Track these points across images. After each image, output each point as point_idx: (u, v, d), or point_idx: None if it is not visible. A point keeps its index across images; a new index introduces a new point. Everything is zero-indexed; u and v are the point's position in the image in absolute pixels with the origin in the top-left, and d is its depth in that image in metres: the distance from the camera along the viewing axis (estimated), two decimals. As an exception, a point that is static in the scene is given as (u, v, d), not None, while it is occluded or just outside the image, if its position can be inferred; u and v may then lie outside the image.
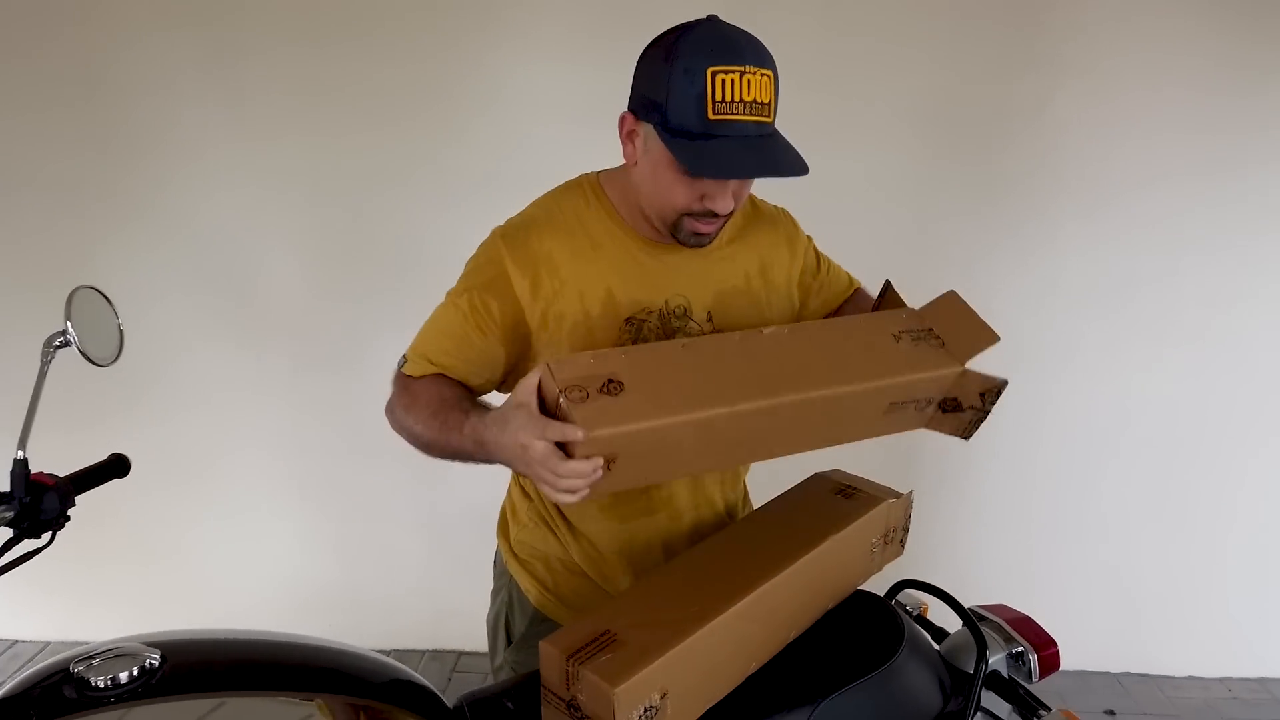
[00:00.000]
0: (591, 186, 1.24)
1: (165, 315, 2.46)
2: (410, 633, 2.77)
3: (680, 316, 1.21)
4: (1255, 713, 2.55)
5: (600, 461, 0.94)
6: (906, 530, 1.33)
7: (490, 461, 1.04)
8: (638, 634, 0.97)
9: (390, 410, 1.20)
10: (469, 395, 1.17)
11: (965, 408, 1.16)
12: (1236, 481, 2.55)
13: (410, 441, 1.17)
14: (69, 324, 1.05)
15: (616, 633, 0.97)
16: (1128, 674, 2.68)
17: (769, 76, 1.05)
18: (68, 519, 1.04)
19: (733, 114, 1.02)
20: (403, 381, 1.22)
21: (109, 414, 2.50)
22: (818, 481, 1.33)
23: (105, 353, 1.12)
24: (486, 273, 1.18)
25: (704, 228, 1.14)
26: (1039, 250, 2.40)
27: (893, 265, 2.35)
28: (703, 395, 0.99)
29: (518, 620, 1.40)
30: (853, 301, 1.44)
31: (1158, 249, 2.38)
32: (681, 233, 1.15)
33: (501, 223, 1.24)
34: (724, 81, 1.01)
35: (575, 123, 2.28)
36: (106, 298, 1.14)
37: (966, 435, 1.20)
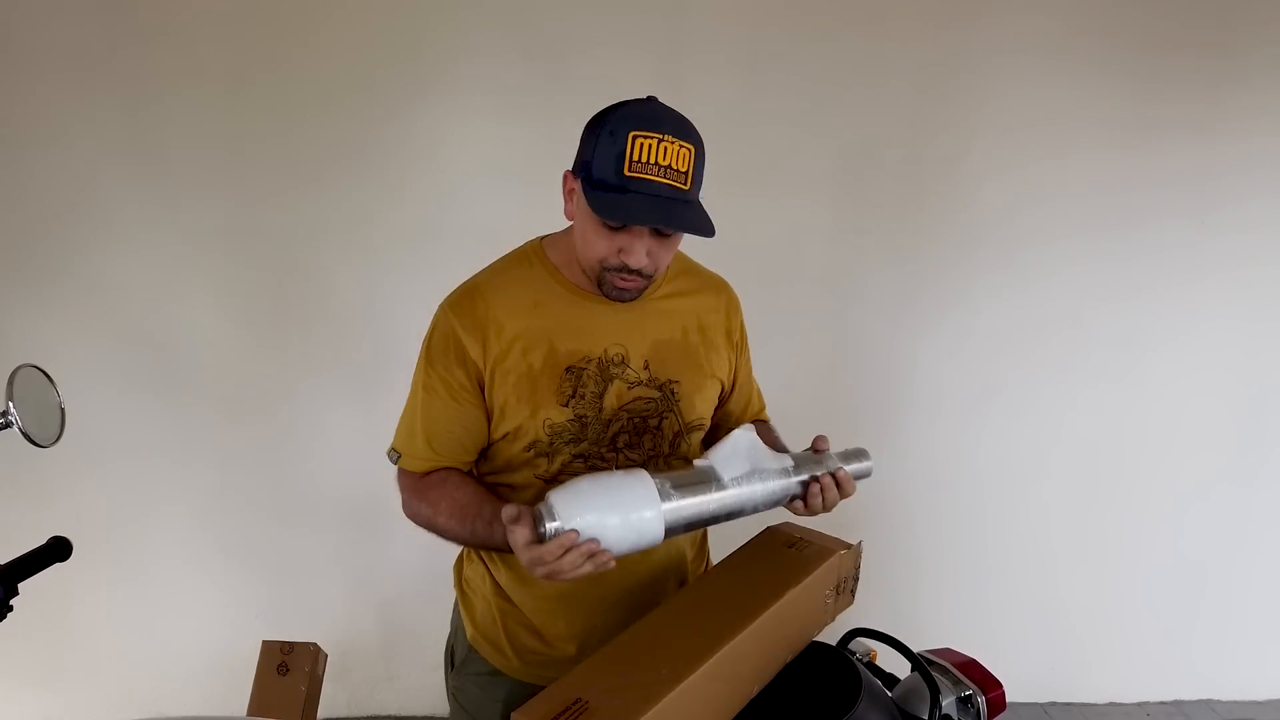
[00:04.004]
0: (534, 250, 1.33)
1: (80, 377, 2.35)
2: (345, 699, 2.69)
3: (618, 364, 1.29)
4: (1172, 734, 2.67)
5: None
6: (857, 580, 1.36)
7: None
8: (610, 700, 0.97)
9: (413, 515, 1.30)
10: (482, 495, 1.26)
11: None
12: (1146, 515, 2.69)
13: (440, 536, 1.28)
14: (10, 404, 1.01)
15: (589, 700, 0.97)
16: (1053, 703, 2.78)
17: (689, 149, 1.13)
18: (10, 609, 1.00)
19: (647, 173, 1.10)
20: (410, 483, 1.31)
21: (20, 481, 2.38)
22: (770, 536, 1.36)
23: (47, 433, 1.08)
24: (445, 346, 1.27)
25: (622, 283, 1.22)
26: (957, 298, 2.52)
27: (819, 310, 2.46)
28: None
29: (459, 648, 1.47)
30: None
31: (1064, 296, 2.52)
32: (605, 286, 1.23)
33: (447, 296, 1.31)
34: (642, 144, 1.10)
35: (510, 179, 2.31)
36: (48, 376, 1.10)
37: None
